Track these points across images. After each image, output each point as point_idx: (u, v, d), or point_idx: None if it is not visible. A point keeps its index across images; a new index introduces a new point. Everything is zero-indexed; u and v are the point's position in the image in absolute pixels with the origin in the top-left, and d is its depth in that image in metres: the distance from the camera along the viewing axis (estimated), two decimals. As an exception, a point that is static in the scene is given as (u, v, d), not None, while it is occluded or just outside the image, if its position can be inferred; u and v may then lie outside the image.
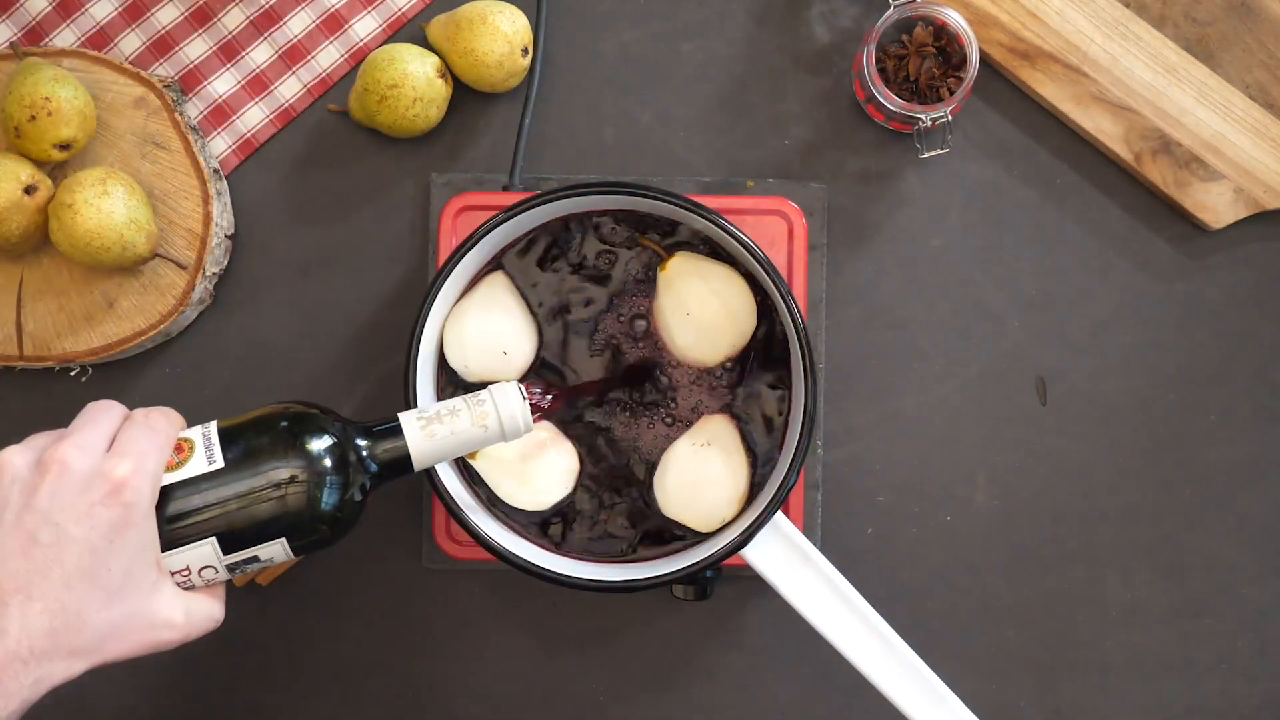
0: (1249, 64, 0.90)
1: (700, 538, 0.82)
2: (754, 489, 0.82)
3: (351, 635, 0.92)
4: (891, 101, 0.86)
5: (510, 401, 0.70)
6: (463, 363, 0.83)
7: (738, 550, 0.78)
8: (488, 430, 0.70)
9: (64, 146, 0.86)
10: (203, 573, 0.69)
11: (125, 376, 0.92)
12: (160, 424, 0.69)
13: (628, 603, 0.91)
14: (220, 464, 0.68)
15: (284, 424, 0.70)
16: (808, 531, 0.88)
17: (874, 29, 0.86)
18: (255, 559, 0.69)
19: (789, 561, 0.79)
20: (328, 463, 0.69)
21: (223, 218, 0.90)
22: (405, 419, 0.71)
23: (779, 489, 0.79)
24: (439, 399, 0.83)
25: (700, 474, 0.82)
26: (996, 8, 0.89)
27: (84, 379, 0.91)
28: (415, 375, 0.80)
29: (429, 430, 0.70)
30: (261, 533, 0.69)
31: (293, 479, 0.68)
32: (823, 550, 0.80)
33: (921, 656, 0.78)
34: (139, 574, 0.66)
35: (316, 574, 0.92)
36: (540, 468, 0.83)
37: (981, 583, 0.91)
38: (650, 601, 0.91)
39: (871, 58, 0.86)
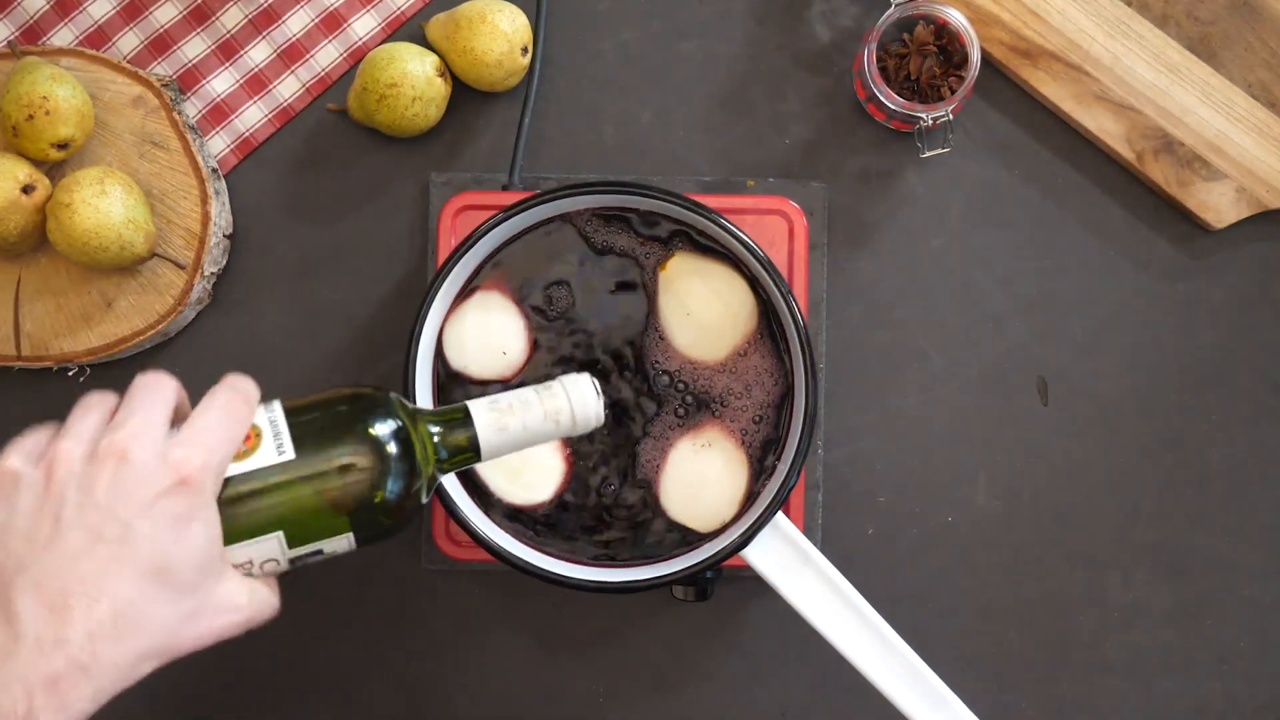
0: (1251, 63, 0.89)
1: (700, 538, 0.82)
2: (754, 489, 0.82)
3: (351, 635, 0.92)
4: (892, 100, 0.86)
5: (584, 394, 0.67)
6: (462, 363, 0.83)
7: (738, 551, 0.78)
8: (559, 425, 0.67)
9: (62, 146, 0.86)
10: (265, 565, 0.66)
11: (124, 377, 0.90)
12: (241, 412, 0.64)
13: (628, 603, 0.91)
14: (290, 455, 0.64)
15: (358, 412, 0.66)
16: (808, 532, 0.88)
17: (875, 28, 0.86)
18: (319, 552, 0.67)
19: (789, 562, 0.78)
20: (401, 454, 0.66)
21: (221, 217, 0.90)
22: (476, 410, 0.67)
23: (779, 489, 0.79)
24: (438, 398, 0.83)
25: (701, 475, 0.82)
26: (998, 6, 0.89)
27: (82, 379, 0.91)
28: (414, 375, 0.80)
29: (501, 423, 0.66)
30: (331, 526, 0.65)
31: (368, 470, 0.65)
32: (823, 550, 0.80)
33: (922, 656, 0.77)
34: (206, 567, 0.62)
35: (316, 574, 0.91)
36: (531, 461, 0.82)
37: (982, 583, 0.91)
38: (650, 602, 0.91)
39: (872, 57, 0.86)
